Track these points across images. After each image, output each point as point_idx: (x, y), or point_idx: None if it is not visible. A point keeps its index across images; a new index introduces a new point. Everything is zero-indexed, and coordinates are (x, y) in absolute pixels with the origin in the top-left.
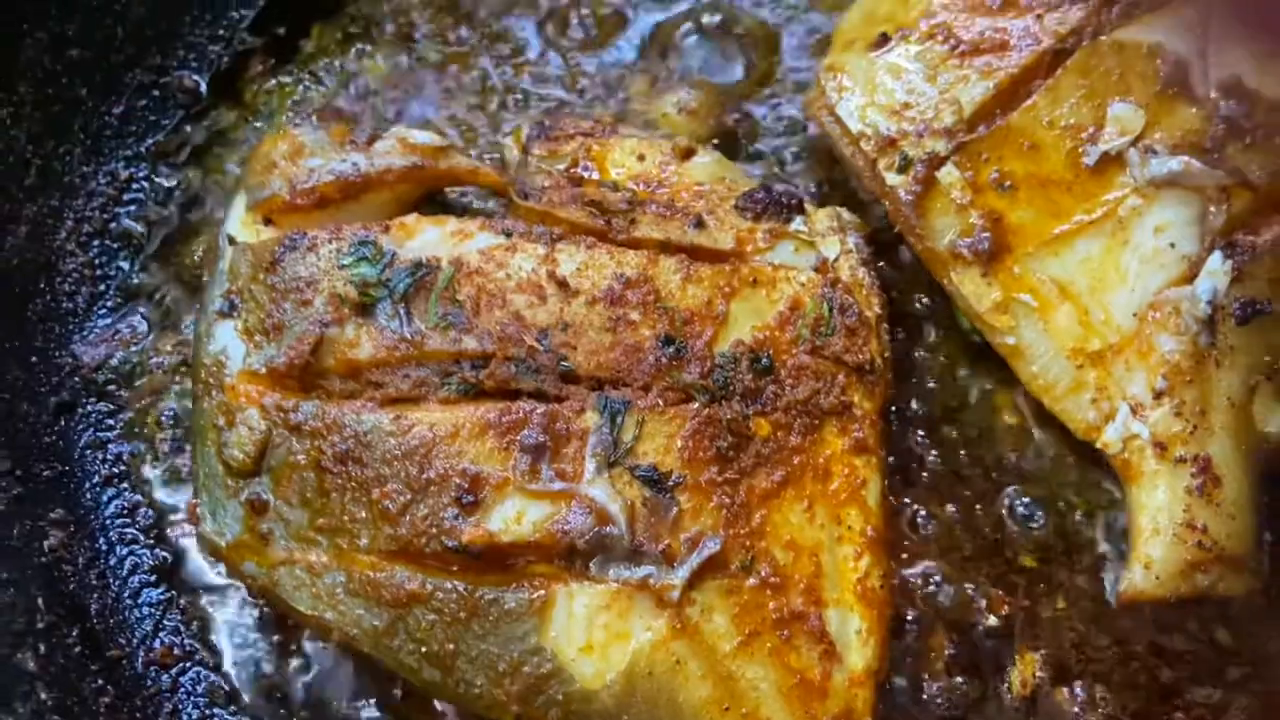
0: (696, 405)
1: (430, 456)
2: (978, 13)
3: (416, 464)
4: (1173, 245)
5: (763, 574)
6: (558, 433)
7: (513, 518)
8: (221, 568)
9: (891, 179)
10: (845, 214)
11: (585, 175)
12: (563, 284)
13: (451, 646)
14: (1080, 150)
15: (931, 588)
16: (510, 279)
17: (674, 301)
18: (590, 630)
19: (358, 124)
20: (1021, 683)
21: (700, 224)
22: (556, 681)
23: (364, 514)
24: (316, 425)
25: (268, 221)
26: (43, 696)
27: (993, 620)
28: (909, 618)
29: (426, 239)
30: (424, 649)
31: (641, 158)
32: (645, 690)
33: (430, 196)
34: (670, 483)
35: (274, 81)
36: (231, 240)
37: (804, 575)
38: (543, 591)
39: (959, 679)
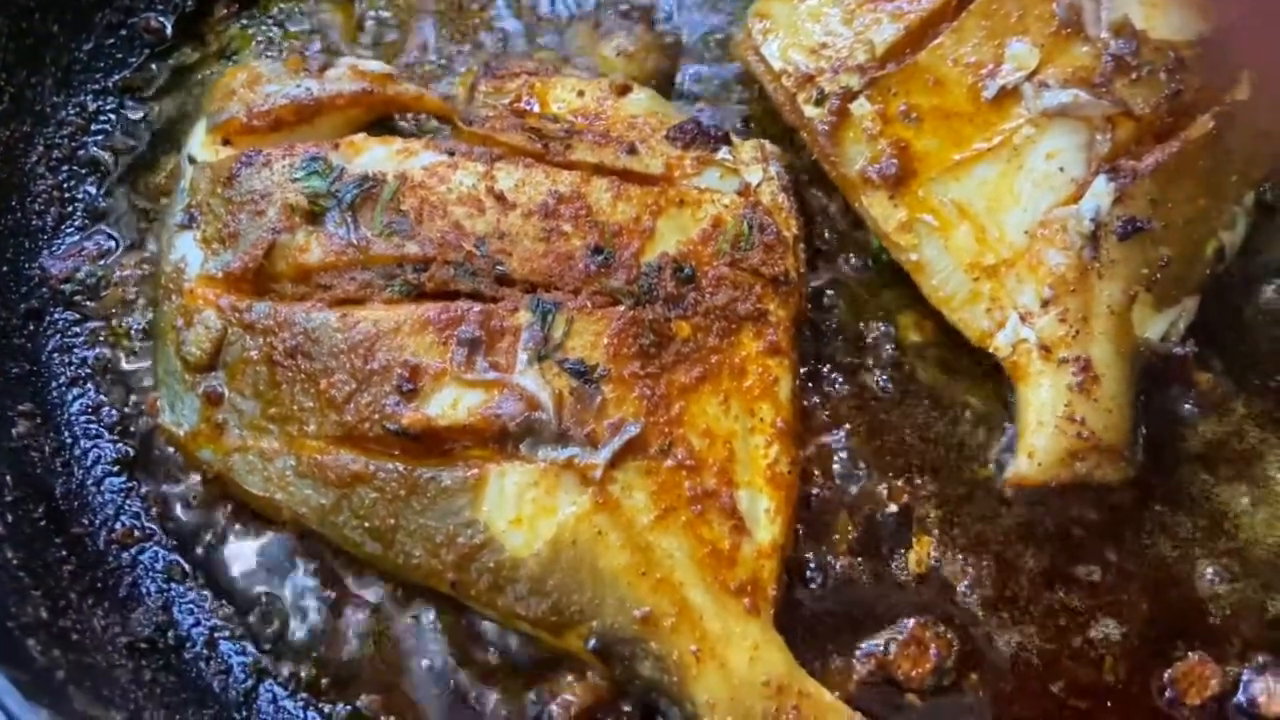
0: (622, 308)
1: (374, 349)
2: None
3: (361, 356)
4: (1062, 169)
5: (679, 457)
6: (492, 329)
7: (449, 404)
8: (180, 458)
9: (809, 111)
10: (768, 145)
11: (527, 109)
12: (500, 198)
13: (392, 521)
14: (980, 85)
15: (837, 480)
16: (451, 192)
17: (604, 217)
18: (520, 505)
19: (312, 56)
20: (916, 561)
21: (632, 150)
22: (488, 551)
23: (312, 403)
24: (269, 323)
25: (226, 143)
26: (9, 554)
27: (893, 508)
28: (814, 501)
29: (374, 156)
30: (367, 524)
31: (581, 94)
32: (569, 558)
33: (379, 122)
34: (595, 375)
35: (237, 25)
36: (192, 160)
37: (718, 459)
38: (477, 470)
39: (859, 558)
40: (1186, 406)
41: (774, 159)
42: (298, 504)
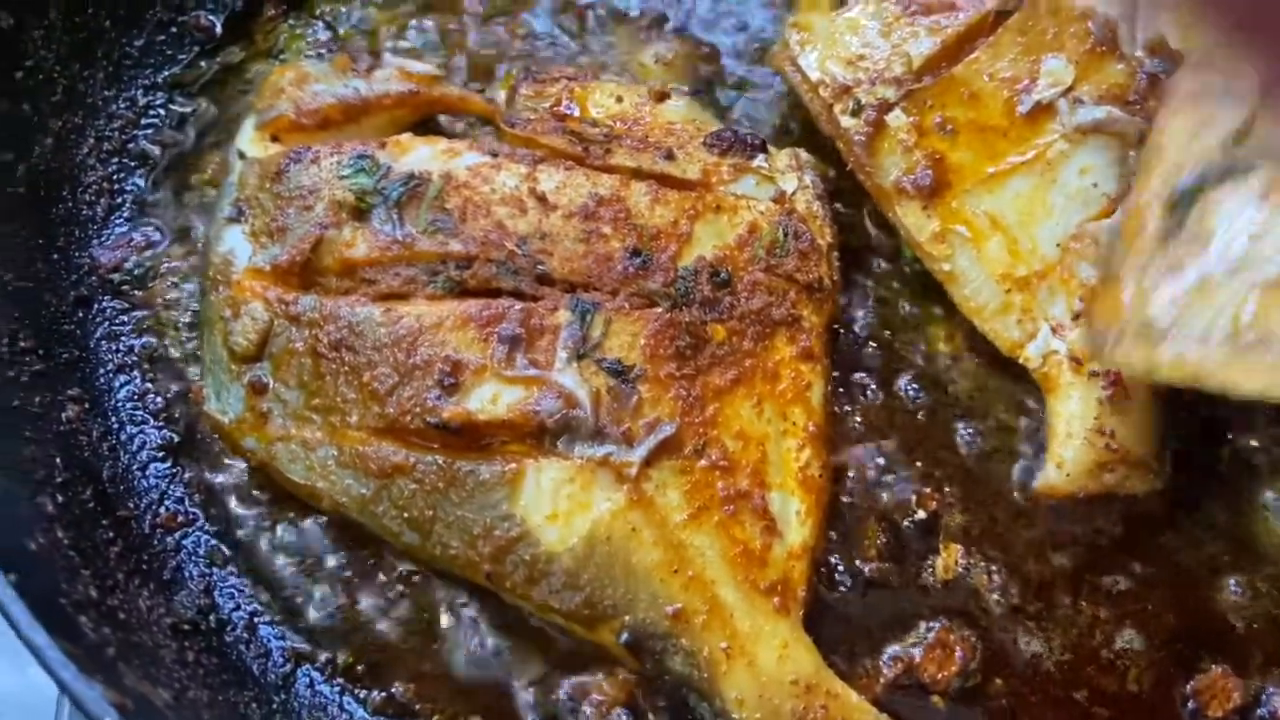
0: (659, 310)
1: (416, 344)
2: None
3: (404, 350)
4: (1095, 184)
5: (713, 457)
6: (533, 327)
7: (489, 399)
8: (222, 446)
9: (845, 122)
10: (803, 154)
11: (568, 113)
12: (542, 199)
13: (430, 513)
14: (1015, 99)
15: (867, 487)
16: (495, 192)
17: (643, 220)
18: (556, 500)
19: (361, 57)
20: (944, 568)
21: (670, 156)
22: (524, 544)
23: (355, 395)
24: (314, 316)
25: (275, 139)
26: (59, 535)
27: (921, 515)
28: (845, 507)
29: (419, 155)
30: (405, 515)
31: (620, 99)
32: (602, 553)
33: (424, 123)
34: (632, 375)
35: (285, 24)
36: (241, 155)
37: (751, 461)
38: (514, 465)
39: (887, 563)
40: (1216, 420)
41: (809, 168)
42: (338, 493)
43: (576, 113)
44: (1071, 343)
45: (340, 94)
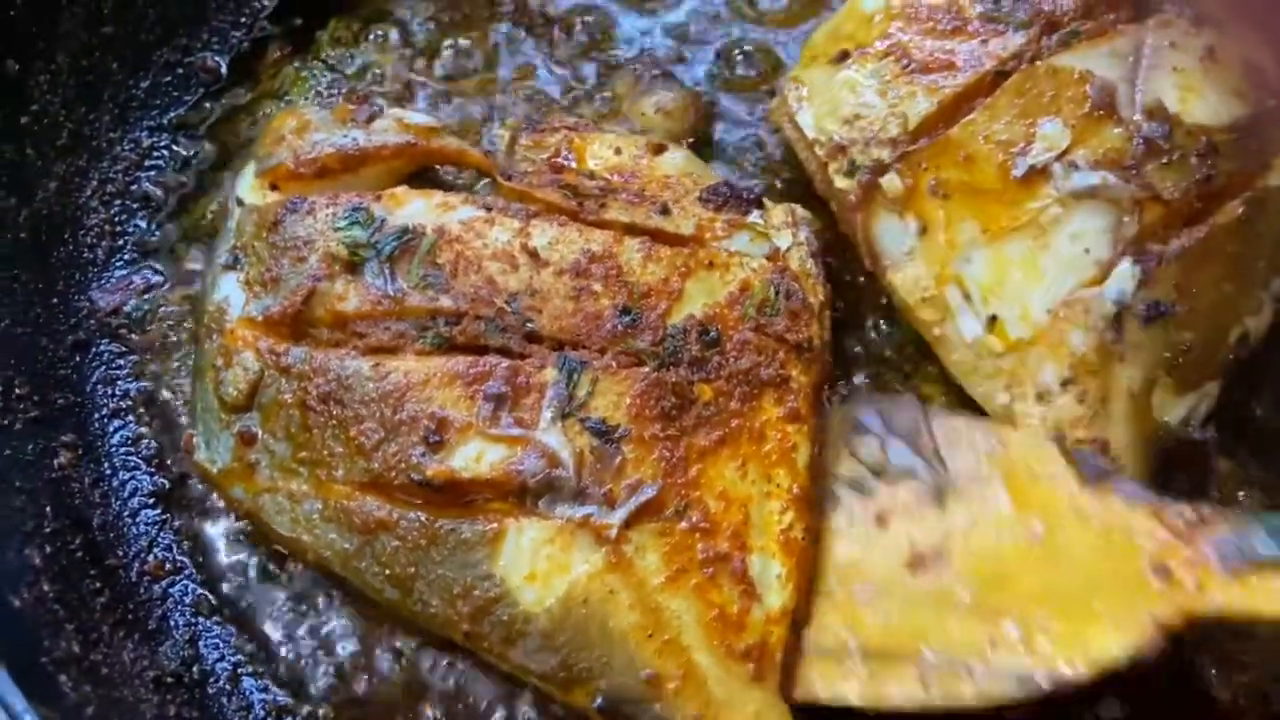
0: (647, 369)
1: (403, 400)
2: (930, 36)
3: (390, 406)
4: (1087, 251)
5: (694, 520)
6: (519, 385)
7: (473, 457)
8: (213, 495)
9: (840, 182)
10: (800, 210)
11: (565, 164)
12: (534, 255)
13: (412, 570)
14: (1010, 163)
15: None
16: (487, 248)
17: (634, 277)
18: (535, 560)
19: (360, 106)
20: None
21: (665, 210)
22: (502, 605)
23: (341, 449)
24: (304, 368)
25: (274, 187)
26: (45, 588)
27: None
28: None
29: (414, 208)
30: (387, 571)
31: (618, 151)
32: (579, 616)
33: (422, 173)
34: (616, 435)
35: (290, 67)
36: (240, 202)
37: (732, 523)
38: (495, 524)
39: None
40: (1205, 493)
41: (804, 224)
42: (322, 547)
43: (574, 164)
44: (1059, 410)
45: (338, 144)
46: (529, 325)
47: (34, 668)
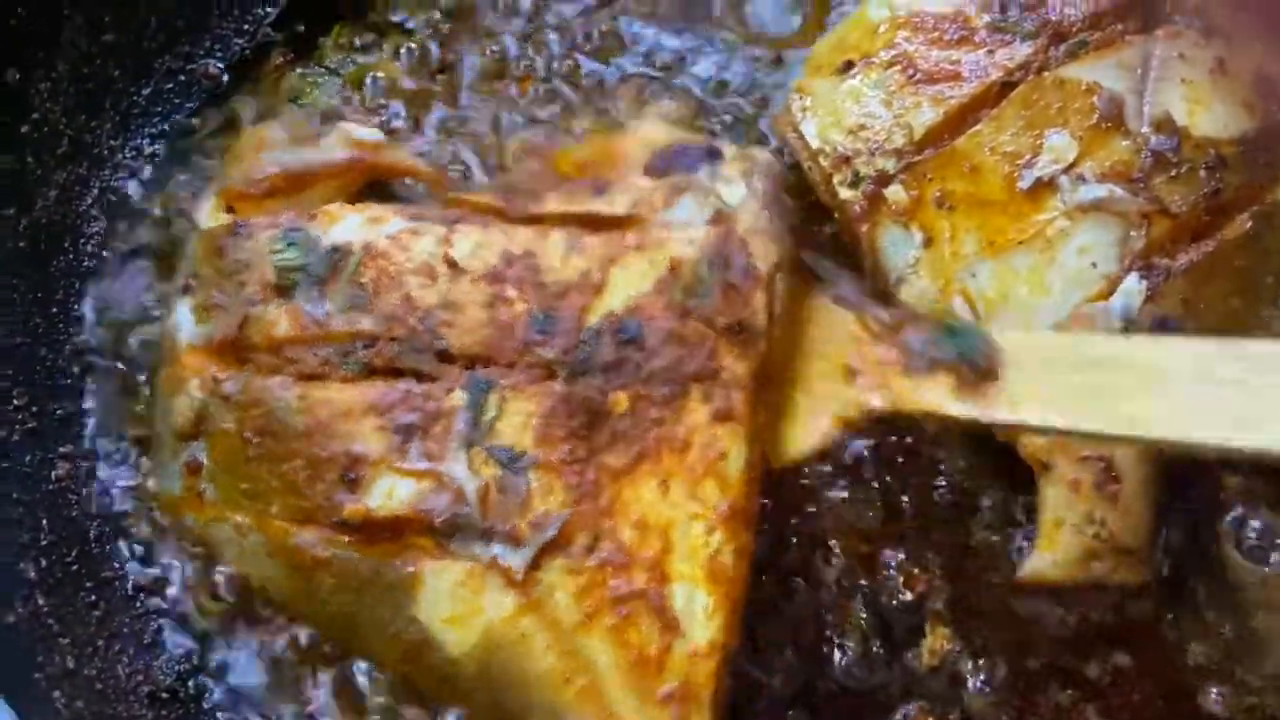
0: (556, 383)
1: (327, 435)
2: (936, 46)
3: (316, 442)
4: (1094, 265)
5: (605, 553)
6: (428, 411)
7: (386, 494)
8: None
9: (844, 193)
10: (759, 153)
11: (535, 166)
12: (453, 264)
13: (352, 610)
14: (1017, 175)
15: (852, 562)
16: (410, 261)
17: (553, 276)
18: (452, 604)
19: (311, 122)
20: (930, 653)
21: (601, 190)
22: (429, 648)
23: (277, 483)
24: (241, 398)
25: (230, 209)
26: (40, 602)
27: (908, 596)
28: (830, 585)
29: (347, 225)
30: (330, 609)
31: (591, 144)
32: (498, 661)
33: (381, 187)
34: (522, 463)
35: (293, 74)
36: (194, 226)
37: (650, 553)
38: (413, 566)
39: (874, 644)
40: (1209, 510)
41: (761, 172)
42: (269, 584)
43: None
44: None
45: (284, 162)
46: (439, 343)
47: (28, 685)
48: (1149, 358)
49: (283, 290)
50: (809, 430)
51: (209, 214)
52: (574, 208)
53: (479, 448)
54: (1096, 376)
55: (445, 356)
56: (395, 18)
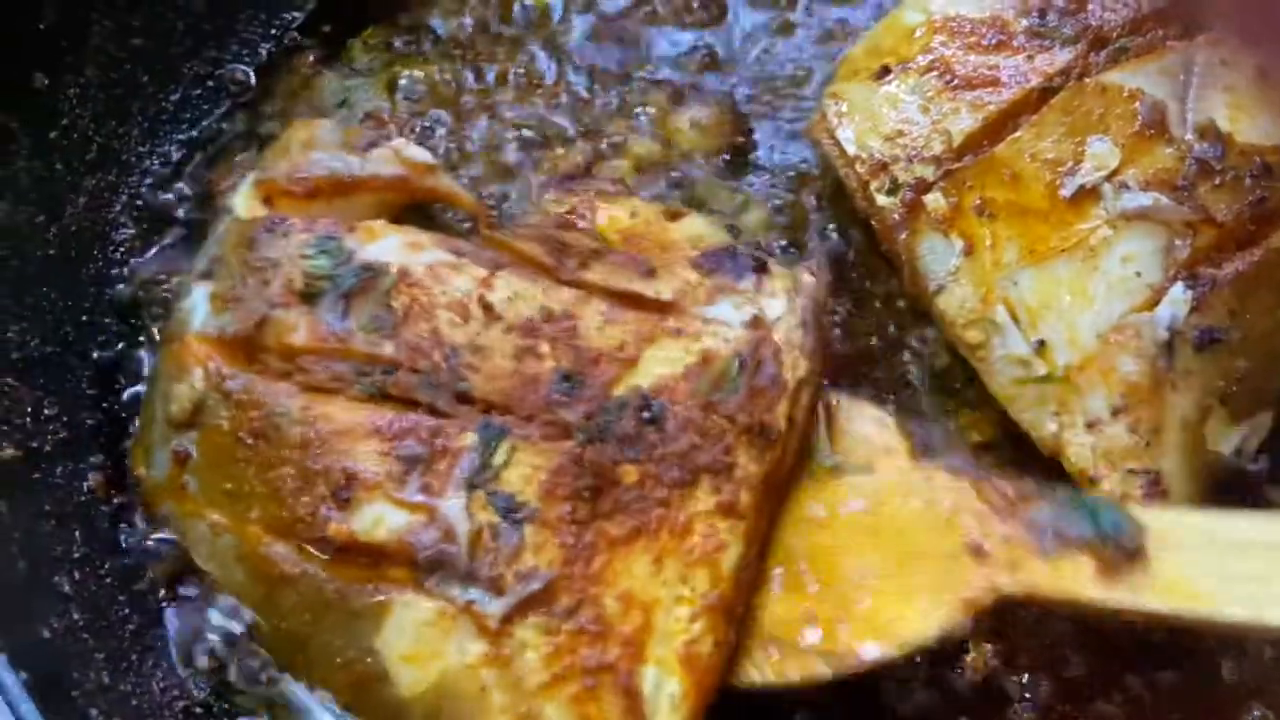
0: (571, 444)
1: (324, 449)
2: (973, 51)
3: (311, 454)
4: (1139, 274)
5: (584, 619)
6: (435, 447)
7: (373, 520)
8: None
9: (881, 200)
10: (806, 277)
11: (575, 221)
12: (489, 308)
13: (307, 631)
14: (1058, 182)
15: None
16: (444, 295)
17: (587, 340)
18: (417, 642)
19: (382, 128)
20: (974, 668)
21: (650, 273)
22: (380, 684)
23: (262, 489)
24: (243, 398)
25: (267, 201)
26: (75, 616)
27: None
28: None
29: (385, 245)
30: (284, 625)
31: (634, 214)
32: (450, 710)
33: (419, 208)
34: (521, 514)
35: (322, 78)
36: (229, 211)
37: (629, 629)
38: (383, 597)
39: (916, 661)
40: None
41: (804, 293)
42: (234, 588)
43: (586, 222)
44: (1110, 440)
45: (332, 167)
46: (460, 384)
47: (65, 701)
48: None
49: (307, 297)
50: (929, 613)
51: (244, 202)
52: (621, 283)
53: (480, 491)
54: (1255, 562)
55: (464, 398)
56: (426, 22)
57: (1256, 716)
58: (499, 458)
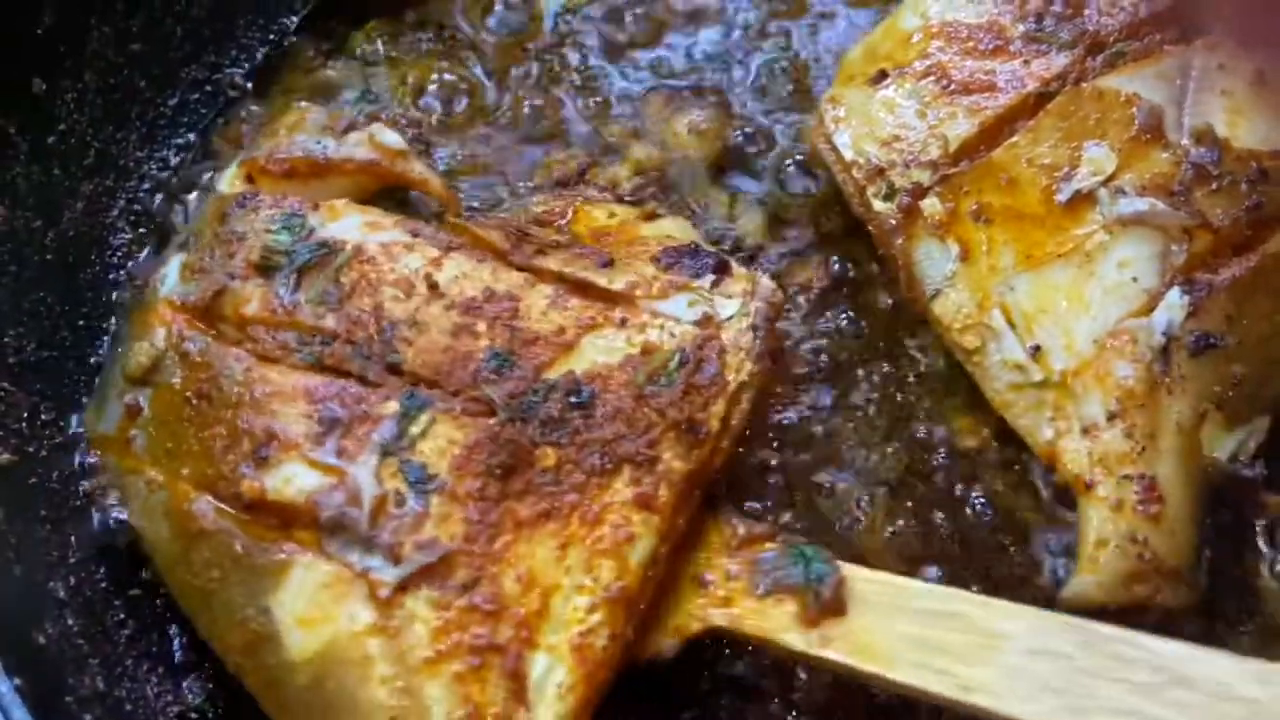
0: (491, 421)
1: (255, 410)
2: (970, 56)
3: (243, 414)
4: (1135, 279)
5: (479, 597)
6: (357, 412)
7: (285, 479)
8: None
9: (878, 205)
10: (765, 281)
11: (555, 222)
12: (433, 286)
13: (214, 588)
14: (1055, 188)
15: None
16: (392, 273)
17: (527, 323)
18: (310, 604)
19: (344, 115)
20: None
21: (609, 264)
22: (271, 644)
23: (196, 447)
24: (197, 359)
25: (249, 180)
26: (69, 622)
27: None
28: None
29: (346, 223)
30: (195, 582)
31: (612, 215)
32: (334, 677)
33: (394, 194)
34: (431, 485)
35: (320, 74)
36: (212, 188)
37: (525, 611)
38: (284, 556)
39: None
40: (1254, 531)
41: (761, 297)
42: (157, 542)
43: (561, 223)
44: (1106, 445)
45: (308, 149)
46: (392, 357)
47: (59, 707)
48: (987, 620)
49: (263, 270)
50: (665, 634)
51: (228, 180)
52: (574, 271)
53: (394, 458)
54: (940, 632)
55: (394, 369)
56: (427, 18)
57: None
58: (417, 428)
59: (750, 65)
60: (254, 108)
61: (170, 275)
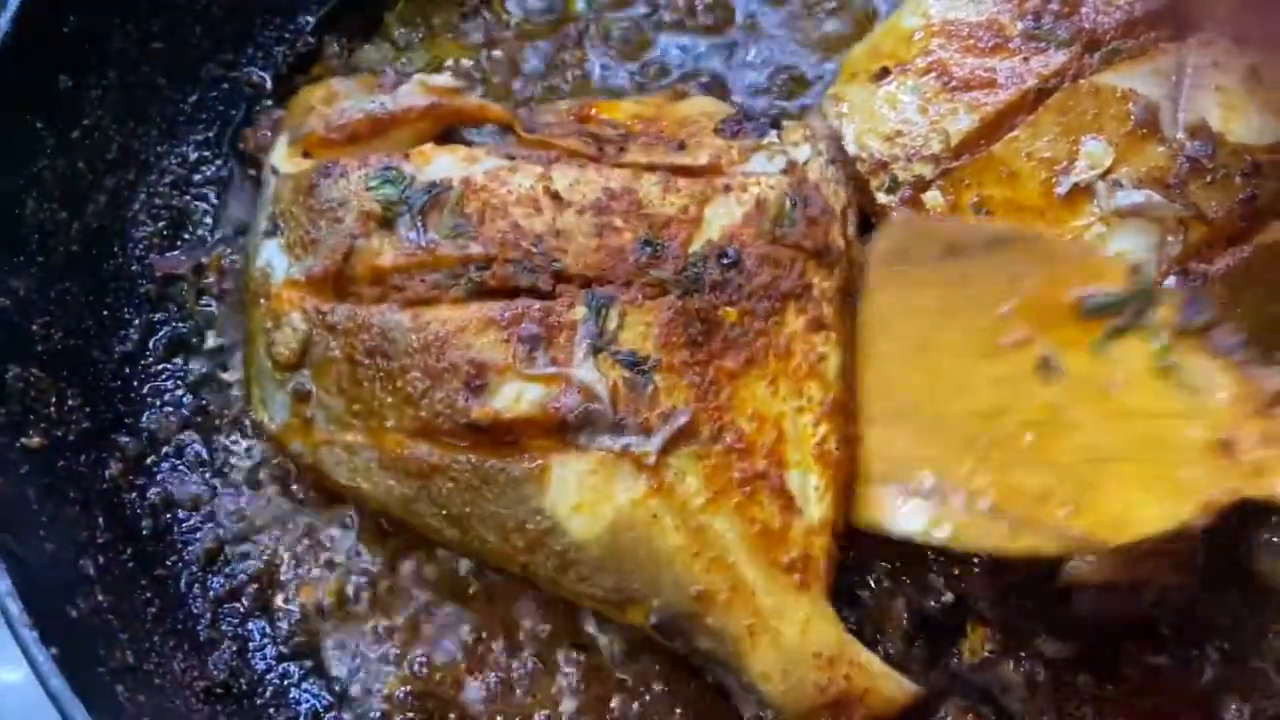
0: (671, 298)
1: (444, 349)
2: (970, 53)
3: (433, 355)
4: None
5: (729, 441)
6: (551, 325)
7: (513, 398)
8: (252, 497)
9: (881, 198)
10: (817, 124)
11: (589, 114)
12: (556, 197)
13: (468, 510)
14: (1054, 180)
15: (896, 566)
16: (511, 194)
17: (654, 210)
18: (581, 493)
19: (384, 75)
20: (970, 651)
21: (682, 146)
22: (553, 536)
23: (391, 399)
24: (349, 325)
25: (306, 155)
26: (100, 598)
27: (948, 597)
28: (871, 587)
29: (441, 164)
30: (445, 512)
31: (641, 104)
32: (627, 541)
33: (448, 134)
34: (647, 366)
35: (360, 52)
36: (275, 171)
37: (767, 441)
38: (540, 461)
39: (913, 644)
40: (1249, 510)
41: (823, 136)
42: (381, 494)
43: (596, 114)
44: None
45: (367, 109)
46: (555, 265)
47: (93, 679)
48: None
49: (385, 222)
50: (1167, 507)
51: (285, 159)
52: (660, 159)
53: (605, 353)
54: None
55: (562, 277)
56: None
57: (1234, 710)
58: (612, 322)
59: (754, 62)
60: (270, 104)
61: (276, 260)
